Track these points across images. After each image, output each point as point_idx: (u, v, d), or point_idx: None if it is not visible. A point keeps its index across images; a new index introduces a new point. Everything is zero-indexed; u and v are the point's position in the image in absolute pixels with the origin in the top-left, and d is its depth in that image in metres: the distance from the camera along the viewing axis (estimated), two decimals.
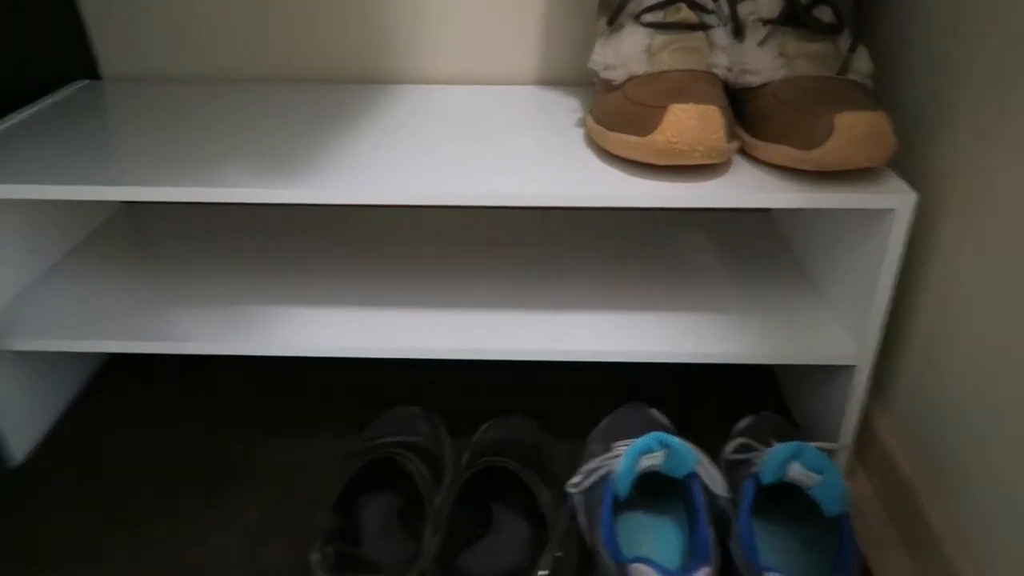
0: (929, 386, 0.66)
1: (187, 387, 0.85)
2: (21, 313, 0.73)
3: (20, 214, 0.76)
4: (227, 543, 0.67)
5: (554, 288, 0.77)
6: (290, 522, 0.69)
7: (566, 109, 0.79)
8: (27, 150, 0.69)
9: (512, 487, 0.66)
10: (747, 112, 0.67)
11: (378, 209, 0.92)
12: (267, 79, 0.90)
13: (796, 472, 0.59)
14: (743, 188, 0.61)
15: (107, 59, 0.90)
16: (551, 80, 0.90)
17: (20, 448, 0.75)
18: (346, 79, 0.90)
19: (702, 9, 0.65)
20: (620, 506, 0.64)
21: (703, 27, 0.65)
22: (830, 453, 0.64)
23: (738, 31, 0.67)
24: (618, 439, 0.68)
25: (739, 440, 0.67)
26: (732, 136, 0.62)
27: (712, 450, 0.67)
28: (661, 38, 0.64)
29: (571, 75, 0.89)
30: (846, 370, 0.69)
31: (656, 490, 0.65)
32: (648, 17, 0.65)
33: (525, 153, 0.68)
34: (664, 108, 0.58)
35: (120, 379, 0.86)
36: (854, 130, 0.57)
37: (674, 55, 0.63)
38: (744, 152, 0.67)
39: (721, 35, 0.66)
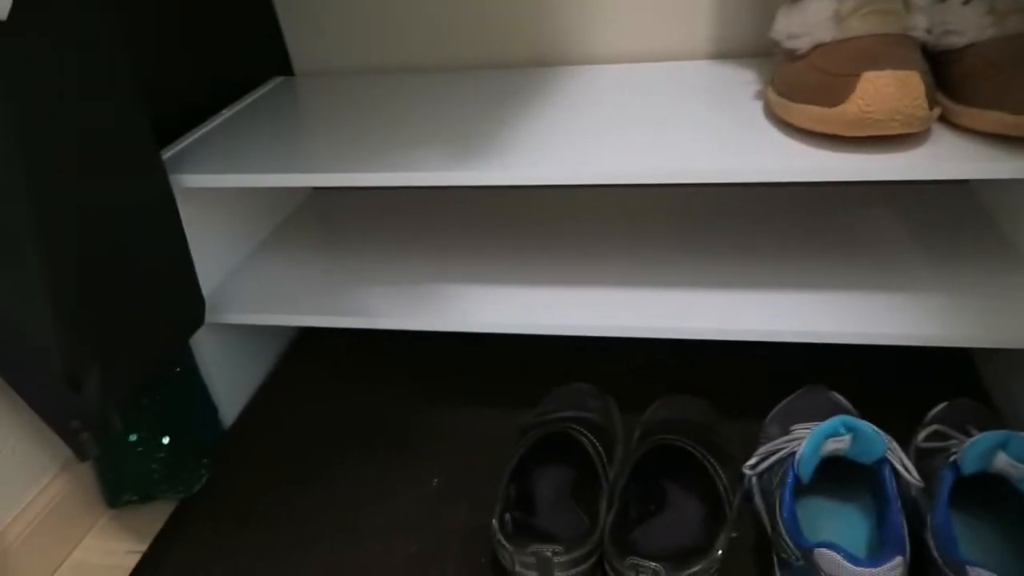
0: None
1: (374, 359, 0.91)
2: (231, 290, 0.81)
3: (229, 201, 0.84)
4: (413, 504, 0.72)
5: (735, 266, 0.75)
6: (470, 488, 0.72)
7: (742, 82, 0.77)
8: (231, 144, 0.76)
9: (685, 466, 0.65)
10: (949, 76, 0.62)
11: (552, 190, 0.93)
12: (445, 68, 0.93)
13: (1003, 463, 0.54)
14: (946, 158, 0.57)
15: (299, 56, 0.97)
16: (724, 53, 0.87)
17: (229, 413, 0.84)
18: (518, 63, 0.92)
19: None
20: (801, 490, 0.62)
21: None
22: None
23: None
24: (798, 422, 0.66)
25: (933, 427, 0.63)
26: (933, 103, 0.57)
27: (899, 438, 0.63)
28: (850, 3, 0.60)
29: (745, 47, 0.86)
30: None
31: (838, 475, 0.62)
32: None
33: (703, 129, 0.67)
34: (857, 76, 0.55)
35: (312, 352, 0.93)
36: None
37: (866, 19, 0.60)
38: (943, 120, 0.62)
39: None
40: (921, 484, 0.58)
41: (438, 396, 0.84)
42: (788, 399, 0.71)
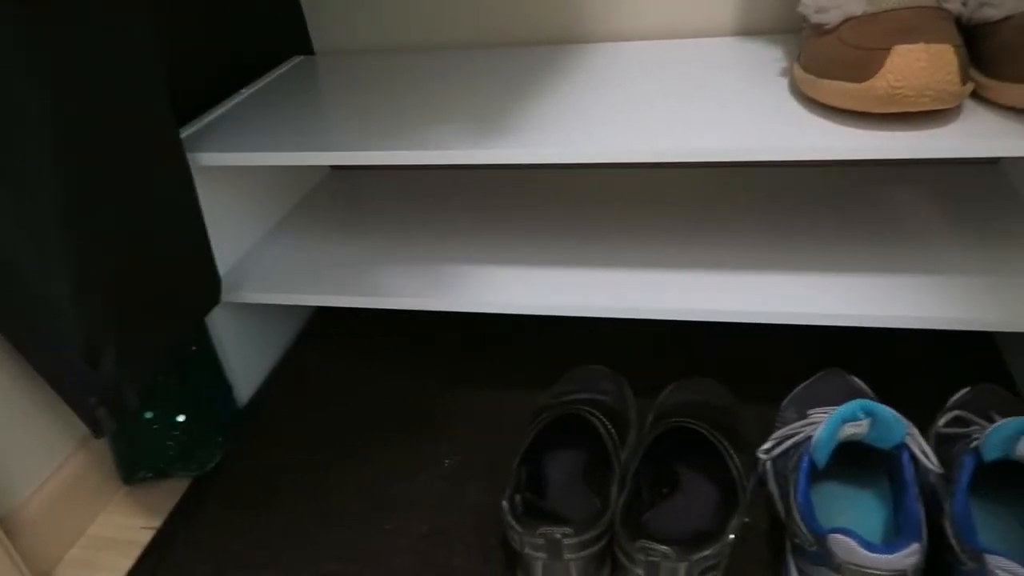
0: None
1: (390, 340, 0.91)
2: (248, 269, 0.81)
3: (246, 181, 0.84)
4: (429, 483, 0.71)
5: (759, 247, 0.74)
6: (483, 469, 0.72)
7: (768, 59, 0.75)
8: (252, 122, 0.76)
9: (699, 449, 0.65)
10: (985, 50, 0.60)
11: (572, 170, 0.92)
12: (467, 45, 0.92)
13: None
14: (978, 135, 0.55)
15: (320, 35, 0.97)
16: (750, 30, 0.85)
17: (244, 392, 0.84)
18: (542, 40, 0.90)
19: None
20: (816, 475, 0.61)
21: None
22: None
23: None
24: (815, 406, 0.65)
25: (954, 413, 0.62)
26: (966, 78, 0.56)
27: (918, 424, 0.62)
28: None
29: (771, 24, 0.84)
30: None
31: (855, 461, 0.61)
32: None
33: (728, 107, 0.65)
34: (887, 50, 0.54)
35: (328, 332, 0.93)
36: None
37: None
38: (975, 95, 0.60)
39: None
40: (940, 470, 0.57)
41: (454, 377, 0.84)
42: (806, 383, 0.70)
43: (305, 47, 0.97)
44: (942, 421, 0.62)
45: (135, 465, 0.74)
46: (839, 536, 0.50)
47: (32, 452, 0.68)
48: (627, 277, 0.72)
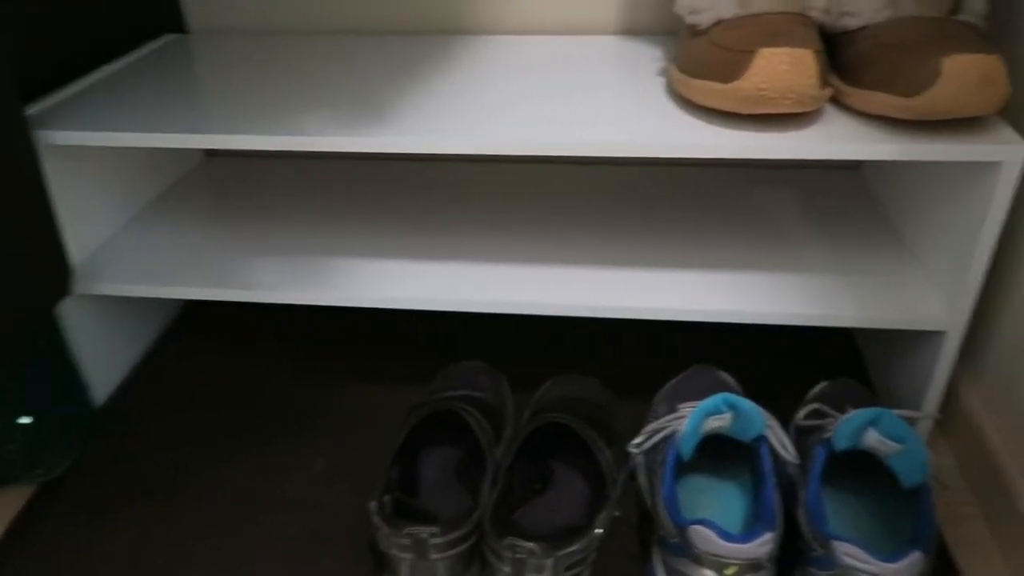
0: None
1: (262, 335, 0.87)
2: (106, 259, 0.76)
3: (108, 163, 0.78)
4: (301, 485, 0.69)
5: (630, 244, 0.74)
6: (356, 469, 0.70)
7: (649, 59, 0.76)
8: (115, 100, 0.71)
9: (573, 445, 0.65)
10: (844, 58, 0.62)
11: (451, 162, 0.91)
12: (347, 31, 0.90)
13: (873, 439, 0.56)
14: (835, 139, 0.58)
15: (194, 13, 0.92)
16: (634, 30, 0.86)
17: (102, 391, 0.79)
18: (425, 30, 0.89)
19: None
20: (683, 468, 0.62)
21: None
22: (911, 422, 0.60)
23: None
24: (685, 400, 0.66)
25: (813, 406, 0.64)
26: (825, 83, 0.58)
27: (784, 417, 0.64)
28: None
29: (655, 24, 0.85)
30: (935, 336, 0.65)
31: (721, 454, 0.63)
32: None
33: (605, 103, 0.66)
34: (753, 52, 0.55)
35: (198, 326, 0.89)
36: (965, 75, 0.53)
37: None
38: (836, 102, 0.63)
39: None
40: (797, 461, 0.59)
41: (330, 374, 0.81)
42: (677, 378, 0.72)
43: (178, 25, 0.92)
44: (801, 414, 0.64)
45: None
46: (698, 527, 0.51)
47: None
48: (506, 271, 0.71)
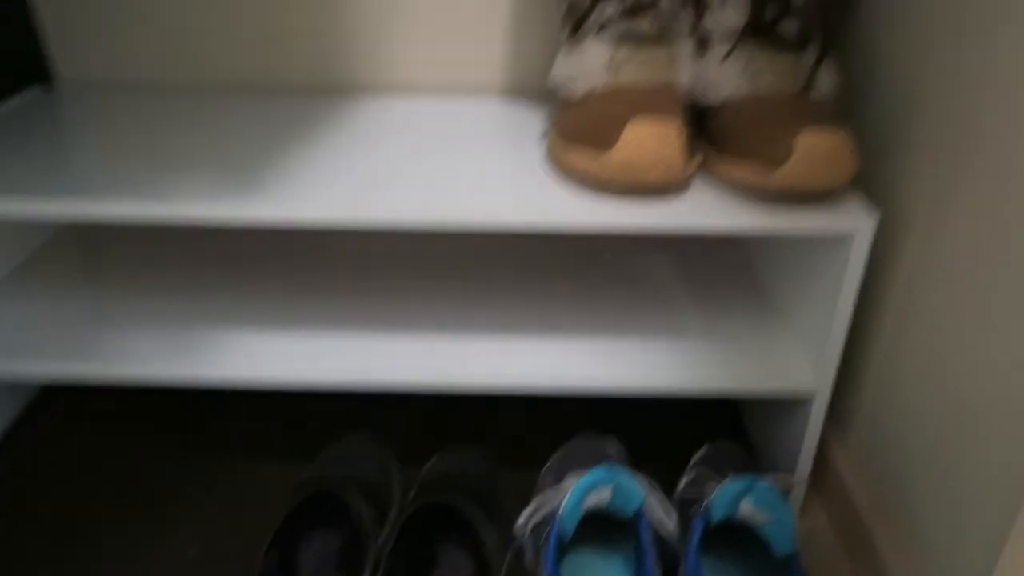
0: (885, 417, 0.64)
1: (133, 414, 0.82)
2: None
3: None
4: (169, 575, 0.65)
5: (509, 314, 0.74)
6: (235, 555, 0.66)
7: (533, 121, 0.77)
8: None
9: (456, 525, 0.63)
10: (712, 130, 0.65)
11: (329, 232, 0.89)
12: (226, 88, 0.87)
13: (746, 510, 0.57)
14: (702, 212, 0.60)
15: (63, 66, 0.87)
16: (522, 90, 0.87)
17: None
18: (308, 88, 0.87)
19: (666, 23, 0.63)
20: (568, 544, 0.62)
21: (666, 41, 0.63)
22: (786, 485, 0.62)
23: (702, 45, 0.65)
24: (570, 471, 0.66)
25: (693, 473, 0.65)
26: (690, 155, 0.60)
27: (672, 479, 0.65)
28: (624, 51, 0.63)
29: (542, 85, 0.87)
30: (805, 400, 0.67)
31: (607, 526, 0.63)
32: (611, 29, 0.63)
33: (484, 171, 0.66)
34: (622, 123, 0.57)
35: (61, 404, 0.83)
36: (814, 151, 0.56)
37: (636, 68, 0.62)
38: (710, 172, 0.65)
39: (685, 50, 0.64)
40: (677, 534, 0.59)
41: (207, 452, 0.77)
42: (563, 447, 0.72)
43: (44, 78, 0.87)
44: (682, 484, 0.66)
45: None
46: None
47: None
48: (387, 346, 0.70)
